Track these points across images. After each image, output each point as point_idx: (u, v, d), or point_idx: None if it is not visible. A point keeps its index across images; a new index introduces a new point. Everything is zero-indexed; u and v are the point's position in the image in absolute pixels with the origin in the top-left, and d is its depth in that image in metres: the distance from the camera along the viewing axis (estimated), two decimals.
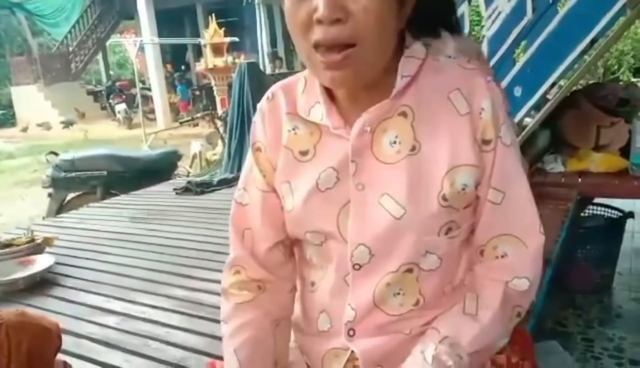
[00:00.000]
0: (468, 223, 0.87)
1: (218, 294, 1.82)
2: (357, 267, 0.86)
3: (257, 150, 0.95)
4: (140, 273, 2.17)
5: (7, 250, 2.30)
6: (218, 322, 1.64)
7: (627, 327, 2.71)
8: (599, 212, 3.16)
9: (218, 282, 1.91)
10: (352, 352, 0.89)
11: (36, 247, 2.34)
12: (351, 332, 0.89)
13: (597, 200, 3.12)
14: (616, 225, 3.09)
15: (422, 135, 0.84)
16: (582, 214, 3.11)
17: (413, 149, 0.84)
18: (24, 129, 15.78)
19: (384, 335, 0.88)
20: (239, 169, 4.09)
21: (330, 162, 0.87)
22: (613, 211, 3.12)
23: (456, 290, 0.90)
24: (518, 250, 0.87)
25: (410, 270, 0.85)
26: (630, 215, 3.03)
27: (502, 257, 0.87)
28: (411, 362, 0.82)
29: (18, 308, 1.33)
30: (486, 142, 0.84)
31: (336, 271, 0.90)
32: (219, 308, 1.73)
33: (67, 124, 15.46)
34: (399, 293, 0.87)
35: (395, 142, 0.84)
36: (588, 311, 2.91)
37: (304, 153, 0.90)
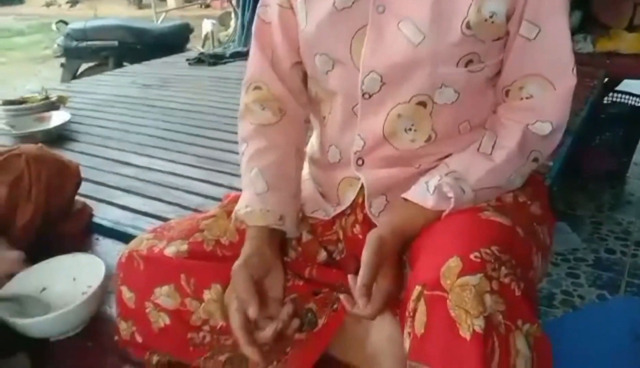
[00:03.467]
0: (494, 60, 0.82)
1: (234, 152, 1.91)
2: (366, 96, 0.83)
3: None
4: (156, 132, 2.18)
5: (23, 106, 2.30)
6: (235, 175, 1.71)
7: (637, 213, 2.73)
8: (622, 100, 3.07)
9: (234, 142, 1.97)
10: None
11: (51, 105, 2.34)
12: (360, 162, 0.88)
13: (621, 88, 3.02)
14: (638, 114, 3.01)
15: None
16: (604, 101, 3.02)
17: None
18: (47, 5, 15.24)
19: (393, 168, 0.87)
20: None
21: None
22: (637, 99, 3.03)
23: (474, 130, 0.86)
24: (545, 92, 0.81)
25: (423, 104, 0.82)
26: None
27: (527, 98, 0.83)
28: (413, 190, 0.81)
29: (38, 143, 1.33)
30: None
31: (344, 102, 0.87)
32: (236, 164, 1.80)
33: (73, 3, 14.92)
34: (410, 129, 0.84)
35: None
36: (599, 196, 2.92)
37: None
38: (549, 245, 0.86)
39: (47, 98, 2.37)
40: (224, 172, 1.73)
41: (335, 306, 0.89)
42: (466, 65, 0.79)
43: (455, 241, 0.69)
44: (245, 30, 3.91)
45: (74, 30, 4.21)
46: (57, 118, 2.21)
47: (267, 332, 0.80)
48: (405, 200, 0.81)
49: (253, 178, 0.90)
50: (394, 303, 0.78)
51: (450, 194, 0.76)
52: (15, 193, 1.20)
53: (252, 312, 0.77)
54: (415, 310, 0.65)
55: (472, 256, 0.64)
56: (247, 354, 0.79)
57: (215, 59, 3.50)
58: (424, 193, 0.79)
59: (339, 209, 0.92)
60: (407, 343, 0.68)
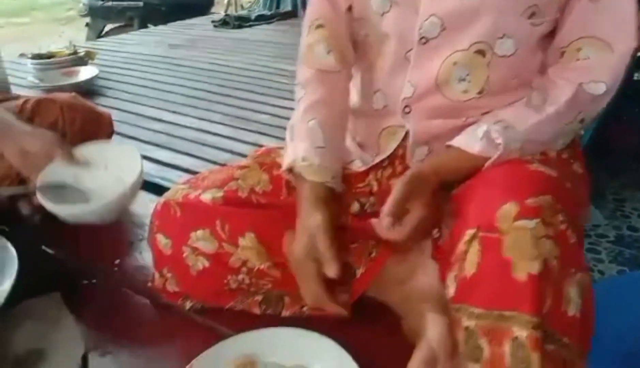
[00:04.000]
0: (552, 17, 0.80)
1: (260, 112, 1.93)
2: (423, 40, 0.81)
3: None
4: (183, 91, 2.18)
5: (52, 60, 2.31)
6: (262, 133, 1.73)
7: None
8: None
9: (260, 102, 2.00)
10: (407, 131, 0.88)
11: (79, 60, 2.35)
12: (407, 109, 0.86)
13: None
14: None
15: None
16: (634, 78, 2.95)
17: None
18: None
19: (439, 118, 0.86)
20: (278, 5, 3.93)
21: None
22: None
23: (522, 87, 0.85)
24: (603, 54, 0.79)
25: (482, 53, 0.80)
26: None
27: (584, 59, 0.81)
28: (461, 137, 0.80)
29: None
30: None
31: (397, 46, 0.84)
32: (262, 123, 1.82)
33: None
34: (464, 79, 0.82)
35: None
36: (624, 174, 2.87)
37: None
38: (587, 206, 0.86)
39: (75, 53, 2.38)
40: (251, 130, 1.74)
41: (372, 254, 0.89)
42: (530, 16, 0.77)
43: (509, 187, 0.68)
44: None
45: None
46: (85, 73, 2.22)
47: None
48: (449, 147, 0.80)
49: (311, 130, 0.88)
50: (434, 248, 0.78)
51: (499, 140, 0.75)
52: None
53: (333, 272, 0.78)
54: (466, 252, 0.65)
55: (528, 201, 0.63)
56: (330, 310, 0.81)
57: (240, 22, 3.48)
58: (470, 140, 0.78)
59: (378, 159, 0.91)
60: (451, 288, 0.68)
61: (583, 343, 0.64)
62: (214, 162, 1.51)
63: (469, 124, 0.83)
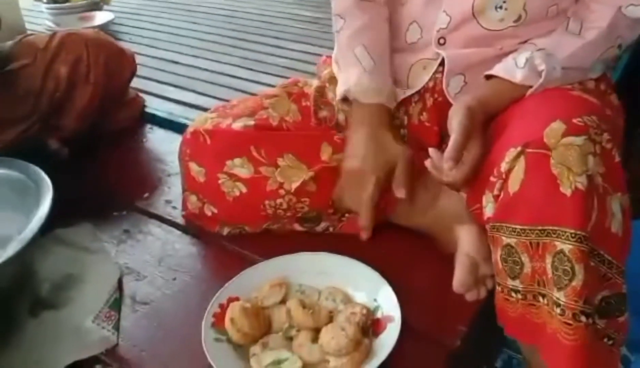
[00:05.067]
0: None
1: (277, 56, 1.90)
2: None
3: None
4: (199, 35, 2.16)
5: (67, 4, 2.28)
6: (280, 76, 1.70)
7: None
8: None
9: (278, 47, 1.97)
10: (440, 63, 0.87)
11: (94, 4, 2.32)
12: (442, 41, 0.85)
13: None
14: None
15: None
16: None
17: None
18: None
19: (475, 48, 0.84)
20: None
21: None
22: None
23: (560, 15, 0.83)
24: None
25: None
26: None
27: None
28: (499, 66, 0.79)
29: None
30: None
31: None
32: (280, 66, 1.80)
33: None
34: (501, 7, 0.81)
35: None
36: None
37: None
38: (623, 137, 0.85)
39: None
40: (269, 73, 1.73)
41: None
42: None
43: (555, 108, 0.68)
44: None
45: None
46: (101, 17, 2.20)
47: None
48: (488, 79, 0.79)
49: (359, 55, 0.89)
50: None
51: (542, 67, 0.74)
52: (75, 75, 1.20)
53: (404, 194, 0.82)
54: (509, 171, 0.65)
55: (575, 120, 0.63)
56: (365, 221, 0.84)
57: None
58: (511, 68, 0.77)
59: (408, 92, 0.90)
60: (488, 208, 0.68)
61: (621, 262, 0.64)
62: None
63: (505, 53, 0.82)
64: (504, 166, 0.66)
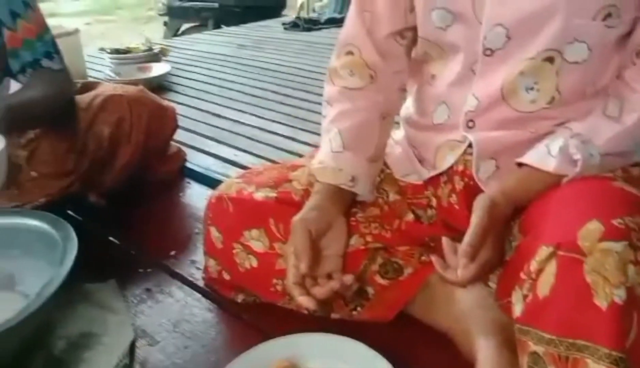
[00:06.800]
0: (630, 16, 0.74)
1: (320, 113, 1.91)
2: (488, 52, 0.77)
3: None
4: (247, 90, 2.23)
5: (128, 55, 2.42)
6: (320, 135, 1.71)
7: None
8: None
9: (320, 103, 1.99)
10: (468, 146, 0.84)
11: (153, 56, 2.45)
12: (470, 124, 0.82)
13: None
14: None
15: None
16: None
17: None
18: None
19: (506, 130, 0.81)
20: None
21: None
22: None
23: (598, 94, 0.78)
24: None
25: (551, 60, 0.75)
26: None
27: None
28: (531, 153, 0.74)
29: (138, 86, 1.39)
30: None
31: (461, 59, 0.81)
32: (320, 124, 1.81)
33: None
34: (532, 88, 0.77)
35: None
36: None
37: None
38: None
39: (150, 49, 2.48)
40: (310, 131, 1.74)
41: (422, 257, 0.86)
42: (604, 18, 0.72)
43: (592, 205, 0.62)
44: None
45: None
46: (158, 69, 2.31)
47: (322, 290, 0.78)
48: (519, 165, 0.75)
49: (332, 137, 0.88)
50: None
51: (578, 156, 0.69)
52: (117, 134, 1.25)
53: (304, 267, 0.77)
54: (540, 271, 0.60)
55: (615, 222, 0.57)
56: (301, 303, 0.78)
57: (310, 24, 3.50)
58: (544, 156, 0.72)
59: (434, 173, 0.88)
60: (517, 307, 0.63)
61: None
62: (271, 161, 1.51)
63: (539, 136, 0.77)
64: (533, 265, 0.61)
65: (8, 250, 0.95)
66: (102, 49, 2.65)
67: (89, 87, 1.33)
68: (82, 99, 1.25)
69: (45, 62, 1.13)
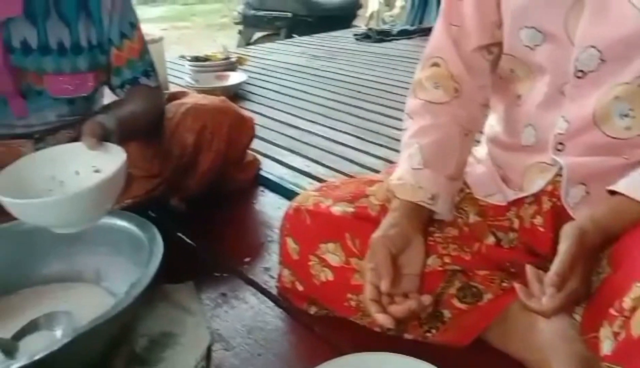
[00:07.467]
0: None
1: (392, 127, 1.92)
2: (580, 74, 0.75)
3: None
4: (319, 100, 2.26)
5: (207, 63, 2.52)
6: (391, 148, 1.72)
7: None
8: None
9: (392, 117, 1.99)
10: (559, 168, 0.81)
11: (231, 64, 2.53)
12: (560, 147, 0.80)
13: None
14: None
15: None
16: None
17: None
18: None
19: (597, 156, 0.78)
20: (421, 21, 3.91)
21: None
22: None
23: None
24: None
25: None
26: None
27: None
28: (627, 181, 0.70)
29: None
30: None
31: (550, 80, 0.79)
32: (392, 138, 1.81)
33: None
34: (627, 115, 0.74)
35: None
36: None
37: None
38: None
39: (227, 58, 2.57)
40: (381, 144, 1.74)
41: (504, 283, 0.84)
42: None
43: None
44: (416, 9, 3.85)
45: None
46: (235, 77, 2.39)
47: (399, 308, 0.77)
48: (611, 193, 0.72)
49: (412, 153, 0.87)
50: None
51: None
52: (200, 142, 1.30)
53: (384, 286, 0.76)
54: (634, 309, 0.57)
55: None
56: (377, 320, 0.77)
57: (382, 36, 3.51)
58: (638, 185, 0.69)
59: (520, 195, 0.86)
60: (606, 344, 0.61)
61: None
62: (343, 173, 1.53)
63: (633, 164, 0.74)
64: (627, 302, 0.58)
65: (96, 247, 1.01)
66: (182, 57, 2.76)
67: (176, 96, 1.39)
68: (168, 107, 1.31)
69: (143, 80, 1.22)
